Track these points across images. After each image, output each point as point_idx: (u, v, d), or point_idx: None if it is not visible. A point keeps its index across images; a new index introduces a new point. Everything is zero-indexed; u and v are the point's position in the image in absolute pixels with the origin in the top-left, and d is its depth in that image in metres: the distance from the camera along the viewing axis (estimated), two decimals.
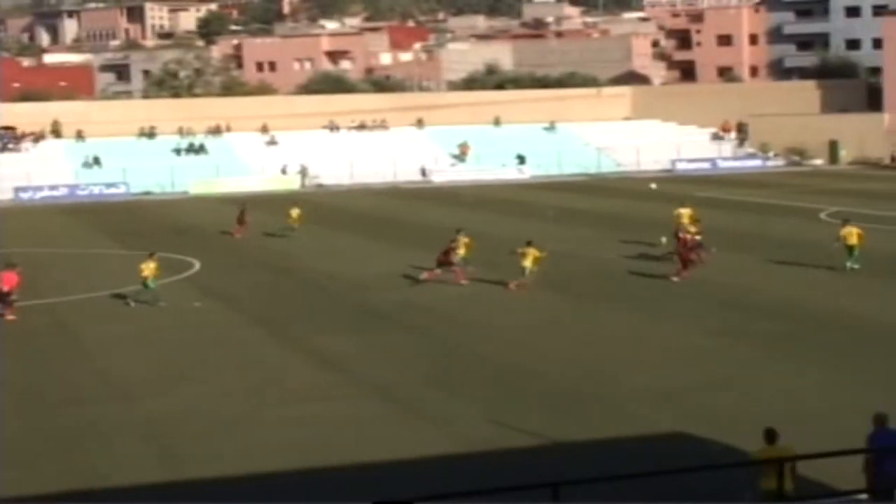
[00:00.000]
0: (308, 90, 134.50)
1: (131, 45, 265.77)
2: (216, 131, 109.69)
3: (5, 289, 40.99)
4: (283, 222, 64.10)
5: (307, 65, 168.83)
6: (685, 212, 52.65)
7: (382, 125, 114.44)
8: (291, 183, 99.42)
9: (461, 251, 46.71)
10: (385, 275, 49.15)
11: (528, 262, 44.32)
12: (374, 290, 45.54)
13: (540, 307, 41.79)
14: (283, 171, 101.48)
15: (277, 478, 23.61)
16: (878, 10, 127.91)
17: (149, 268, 42.79)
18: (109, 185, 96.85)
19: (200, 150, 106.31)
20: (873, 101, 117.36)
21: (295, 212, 64.08)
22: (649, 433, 26.05)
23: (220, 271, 51.88)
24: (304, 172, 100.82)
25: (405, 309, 41.71)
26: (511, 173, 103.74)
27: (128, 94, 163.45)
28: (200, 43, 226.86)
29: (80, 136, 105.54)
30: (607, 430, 26.31)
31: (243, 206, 66.29)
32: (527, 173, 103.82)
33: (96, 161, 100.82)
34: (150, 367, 33.52)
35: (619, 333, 36.95)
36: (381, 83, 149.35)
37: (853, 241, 47.22)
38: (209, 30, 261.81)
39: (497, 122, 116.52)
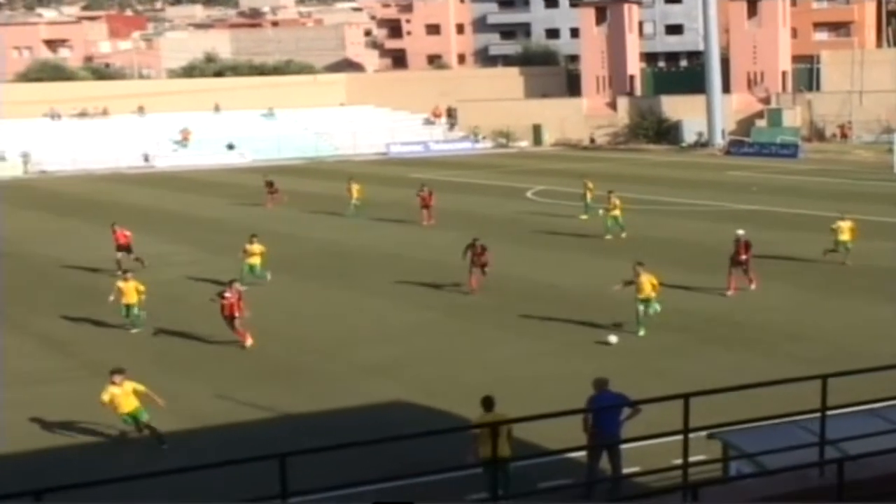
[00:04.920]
0: (27, 78, 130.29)
1: None
2: None
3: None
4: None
5: (25, 53, 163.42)
6: (846, 225, 43.01)
7: (104, 112, 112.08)
8: (14, 169, 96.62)
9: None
10: (110, 258, 48.16)
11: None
12: (101, 274, 44.58)
13: (260, 286, 41.60)
14: (3, 158, 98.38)
15: (6, 459, 22.93)
16: (575, 2, 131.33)
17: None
18: None
19: None
20: (572, 87, 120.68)
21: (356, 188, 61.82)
22: (370, 403, 26.29)
23: None
24: (25, 159, 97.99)
25: None
26: (232, 158, 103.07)
27: None
28: None
29: None
30: (330, 402, 26.44)
31: (267, 177, 68.07)
32: (248, 157, 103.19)
33: None
34: None
35: (337, 310, 37.08)
36: (101, 71, 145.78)
37: (616, 211, 50.27)
38: None
39: (217, 108, 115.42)
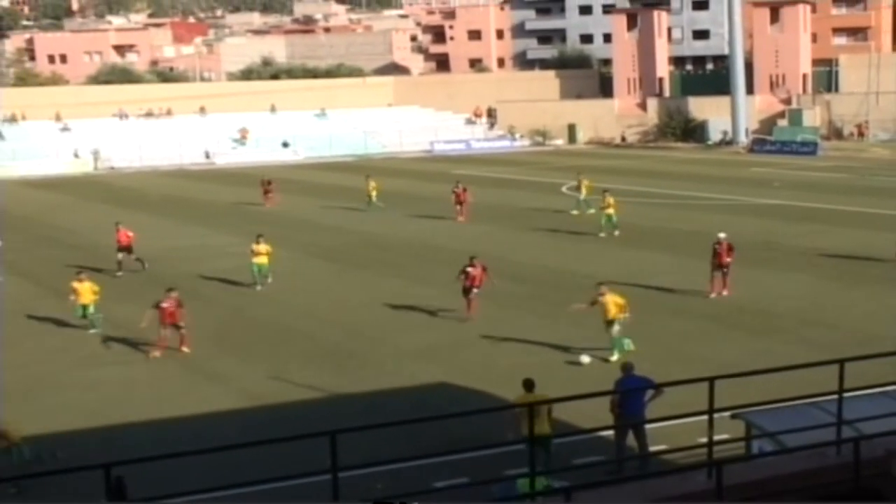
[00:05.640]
0: (98, 81, 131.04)
1: None
2: (12, 119, 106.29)
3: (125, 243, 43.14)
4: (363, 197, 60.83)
5: (96, 57, 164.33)
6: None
7: (168, 113, 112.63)
8: (85, 165, 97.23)
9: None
10: (173, 248, 48.48)
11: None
12: (164, 262, 44.81)
13: (311, 274, 41.76)
14: (76, 155, 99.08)
15: (72, 435, 23.07)
16: (608, 9, 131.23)
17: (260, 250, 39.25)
18: None
19: None
20: (604, 89, 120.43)
21: (372, 184, 60.54)
22: (415, 384, 26.31)
23: (20, 248, 50.36)
24: (96, 156, 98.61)
25: (192, 279, 41.15)
26: (287, 155, 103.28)
27: None
28: None
29: None
30: (377, 384, 26.47)
31: (267, 180, 66.06)
32: (301, 155, 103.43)
33: None
34: None
35: (382, 298, 37.04)
36: (165, 74, 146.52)
37: (610, 210, 48.65)
38: (2, 24, 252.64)
39: (273, 109, 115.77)
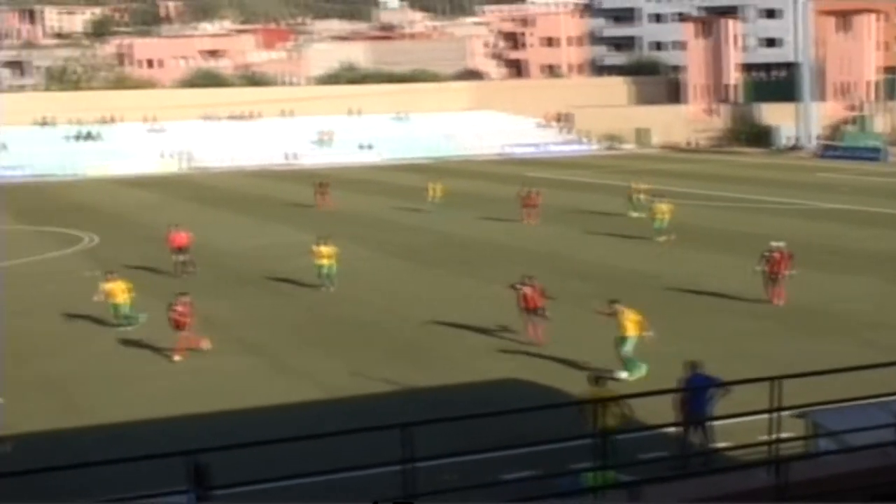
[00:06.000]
0: (188, 84, 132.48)
1: (27, 44, 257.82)
2: (107, 121, 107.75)
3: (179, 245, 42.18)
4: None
5: (187, 62, 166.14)
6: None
7: (256, 115, 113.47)
8: (173, 165, 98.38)
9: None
10: (254, 247, 48.80)
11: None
12: (246, 260, 45.12)
13: (387, 274, 41.79)
14: (168, 156, 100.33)
15: (163, 423, 23.28)
16: (682, 17, 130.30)
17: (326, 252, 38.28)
18: (13, 168, 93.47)
19: (94, 137, 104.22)
20: (675, 94, 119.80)
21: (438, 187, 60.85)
22: (486, 380, 26.24)
23: (113, 244, 50.92)
24: (184, 156, 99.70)
25: (271, 277, 41.35)
26: (369, 157, 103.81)
27: (21, 89, 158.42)
28: (87, 42, 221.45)
29: None
30: (450, 378, 26.44)
31: (321, 181, 65.91)
32: (382, 156, 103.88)
33: (2, 147, 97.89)
34: (47, 330, 32.86)
35: (458, 295, 37.04)
36: (252, 78, 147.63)
37: (663, 215, 47.60)
38: (101, 30, 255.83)
39: (355, 112, 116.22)
